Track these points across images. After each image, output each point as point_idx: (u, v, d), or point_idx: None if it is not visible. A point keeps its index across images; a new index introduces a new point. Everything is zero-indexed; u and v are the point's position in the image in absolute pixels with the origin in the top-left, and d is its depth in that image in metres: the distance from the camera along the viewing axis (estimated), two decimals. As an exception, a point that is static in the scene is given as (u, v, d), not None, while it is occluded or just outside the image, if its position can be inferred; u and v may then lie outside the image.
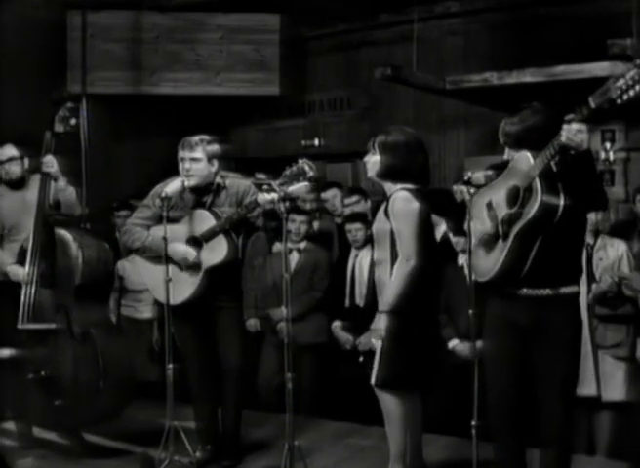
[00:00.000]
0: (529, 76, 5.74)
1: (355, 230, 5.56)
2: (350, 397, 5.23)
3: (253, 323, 5.80)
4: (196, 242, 4.32)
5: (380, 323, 3.70)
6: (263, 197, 4.06)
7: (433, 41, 7.40)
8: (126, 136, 7.69)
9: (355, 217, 5.66)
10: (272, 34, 7.66)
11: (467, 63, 7.24)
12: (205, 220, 4.32)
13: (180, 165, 4.36)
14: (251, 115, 8.44)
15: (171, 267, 4.20)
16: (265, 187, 4.00)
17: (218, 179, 4.42)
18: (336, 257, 5.89)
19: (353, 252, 5.65)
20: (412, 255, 3.70)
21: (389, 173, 3.82)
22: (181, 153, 4.35)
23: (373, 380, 3.79)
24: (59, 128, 4.68)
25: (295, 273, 5.43)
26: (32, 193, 4.69)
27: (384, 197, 3.91)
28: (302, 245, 5.70)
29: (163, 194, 4.15)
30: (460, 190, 3.17)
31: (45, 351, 4.42)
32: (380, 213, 3.84)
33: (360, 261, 5.56)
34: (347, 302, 5.57)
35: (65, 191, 4.70)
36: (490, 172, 3.27)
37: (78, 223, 5.02)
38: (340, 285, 5.58)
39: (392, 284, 3.70)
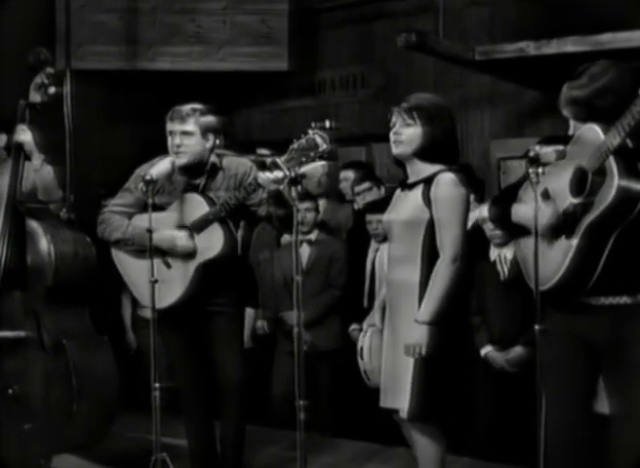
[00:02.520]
0: (571, 45, 5.23)
1: (377, 222, 4.96)
2: (370, 412, 4.67)
3: (260, 325, 5.36)
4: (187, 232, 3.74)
5: (417, 337, 3.07)
6: (266, 176, 3.46)
7: (456, 12, 6.85)
8: (119, 115, 7.24)
9: (376, 207, 5.01)
10: (280, 4, 7.20)
11: (493, 37, 6.66)
12: (197, 206, 3.72)
13: (169, 140, 3.78)
14: (256, 94, 7.98)
15: (157, 263, 3.61)
16: (269, 164, 3.38)
17: (213, 158, 3.83)
18: (344, 250, 5.35)
19: (373, 245, 5.10)
20: (459, 253, 3.10)
21: (435, 149, 3.18)
22: (170, 126, 3.77)
23: (404, 413, 3.14)
24: (34, 97, 4.04)
25: (307, 270, 4.93)
26: (4, 179, 4.06)
27: (405, 183, 3.31)
28: (313, 236, 5.17)
29: (147, 176, 3.50)
30: (531, 172, 2.51)
31: (13, 364, 3.82)
32: (410, 199, 3.22)
33: (381, 256, 4.93)
34: (366, 302, 5.00)
35: (41, 171, 4.07)
36: (561, 147, 2.62)
37: (58, 211, 4.38)
38: (357, 282, 5.05)
39: (434, 288, 3.08)
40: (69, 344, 3.76)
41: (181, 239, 3.70)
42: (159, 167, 3.62)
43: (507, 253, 4.33)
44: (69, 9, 6.43)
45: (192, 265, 3.71)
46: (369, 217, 5.06)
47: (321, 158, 3.30)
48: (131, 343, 5.67)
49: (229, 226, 3.71)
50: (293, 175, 3.11)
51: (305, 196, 5.03)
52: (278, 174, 3.35)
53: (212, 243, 3.67)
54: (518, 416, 4.06)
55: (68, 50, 6.32)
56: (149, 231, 3.47)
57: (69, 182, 4.98)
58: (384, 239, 4.89)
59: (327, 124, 3.36)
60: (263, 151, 3.70)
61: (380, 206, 5.03)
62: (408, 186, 3.25)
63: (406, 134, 3.19)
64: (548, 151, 2.57)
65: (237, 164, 3.84)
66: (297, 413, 3.06)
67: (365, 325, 3.47)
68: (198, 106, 3.78)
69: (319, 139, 3.27)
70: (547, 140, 5.26)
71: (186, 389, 3.93)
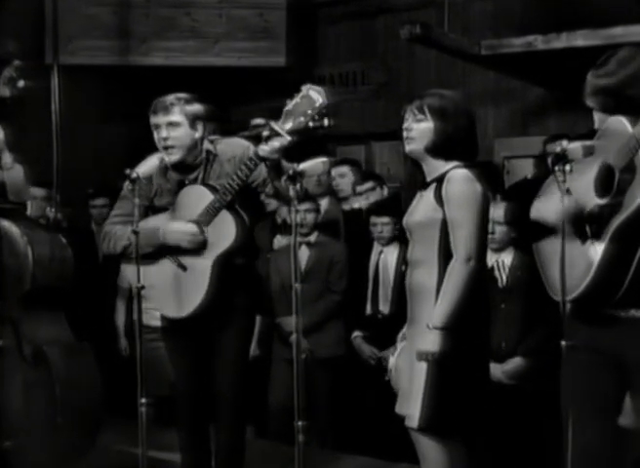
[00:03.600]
0: (581, 39, 5.10)
1: (382, 224, 4.82)
2: (373, 425, 4.55)
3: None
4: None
5: (429, 342, 2.89)
6: (266, 147, 3.23)
7: (459, 5, 6.72)
8: (110, 112, 7.15)
9: (382, 209, 4.91)
10: (279, -3, 7.13)
11: (497, 32, 6.48)
12: (199, 198, 3.46)
13: (155, 134, 3.53)
14: (253, 90, 7.76)
15: (171, 266, 3.44)
16: (266, 133, 3.14)
17: (206, 146, 3.58)
18: (345, 252, 5.15)
19: (377, 247, 4.92)
20: (473, 254, 2.91)
21: (448, 145, 3.00)
22: (154, 119, 3.52)
23: (415, 422, 2.95)
24: (3, 91, 3.84)
25: (306, 273, 4.72)
26: None
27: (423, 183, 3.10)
28: (313, 238, 4.96)
29: (133, 174, 3.25)
30: (557, 170, 2.30)
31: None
32: (424, 199, 3.04)
33: (385, 259, 4.85)
34: (369, 308, 4.85)
35: (11, 170, 3.86)
36: (589, 142, 2.41)
37: (42, 211, 4.18)
38: (360, 287, 4.88)
39: (447, 291, 2.90)
40: (51, 351, 3.57)
41: (190, 230, 3.44)
42: (146, 164, 3.37)
43: (506, 258, 4.17)
44: (57, 1, 6.35)
45: (208, 262, 3.44)
46: (373, 219, 4.89)
47: (321, 116, 3.08)
48: (124, 350, 5.51)
49: (239, 212, 3.44)
50: (291, 172, 2.89)
51: (305, 197, 4.81)
52: (277, 141, 3.15)
53: (224, 232, 3.41)
54: (518, 433, 3.93)
55: (56, 43, 6.22)
56: (135, 232, 3.23)
57: (56, 181, 4.82)
58: (389, 241, 4.85)
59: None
60: (258, 121, 3.45)
61: (386, 207, 4.98)
62: (424, 186, 3.07)
63: (417, 129, 3.02)
64: (575, 147, 2.35)
65: (233, 146, 3.58)
66: (295, 435, 2.90)
67: (398, 340, 3.24)
68: (182, 95, 3.54)
69: (314, 94, 3.08)
70: (554, 138, 4.98)
71: (185, 400, 3.69)
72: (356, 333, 4.81)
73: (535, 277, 3.92)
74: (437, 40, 5.47)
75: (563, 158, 2.37)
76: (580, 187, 2.53)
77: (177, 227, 3.48)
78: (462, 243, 2.90)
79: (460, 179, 2.94)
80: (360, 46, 7.48)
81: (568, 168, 2.34)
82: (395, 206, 5.02)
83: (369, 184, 5.44)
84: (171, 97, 3.53)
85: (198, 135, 3.54)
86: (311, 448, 3.56)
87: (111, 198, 5.44)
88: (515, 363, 4.09)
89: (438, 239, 2.95)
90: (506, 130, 6.76)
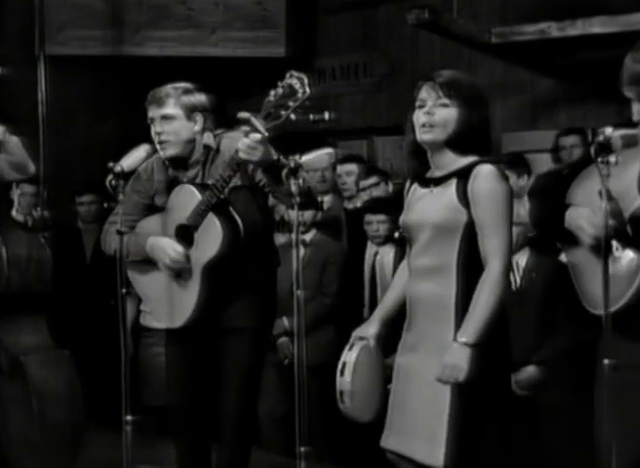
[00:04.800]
0: (598, 26, 4.97)
1: (377, 223, 4.60)
2: (367, 436, 4.27)
3: None
4: (187, 232, 3.26)
5: (457, 357, 2.58)
6: (244, 143, 2.98)
7: None
8: (103, 105, 7.08)
9: (378, 206, 4.68)
10: (278, -15, 7.13)
11: (506, 21, 6.35)
12: (189, 199, 3.23)
13: (152, 129, 3.31)
14: (251, 82, 7.47)
15: (162, 276, 3.25)
16: (245, 129, 2.90)
17: (206, 140, 3.33)
18: (346, 253, 4.98)
19: (371, 248, 4.72)
20: (507, 261, 2.63)
21: (470, 137, 2.68)
22: (150, 112, 3.31)
23: (438, 460, 2.59)
24: None
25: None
26: None
27: (422, 177, 2.81)
28: (309, 236, 4.75)
29: (117, 167, 3.03)
30: (600, 163, 2.03)
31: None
32: (438, 198, 2.73)
33: (382, 261, 4.64)
34: (366, 312, 4.59)
35: (8, 143, 3.63)
36: (633, 131, 2.14)
37: (30, 209, 3.96)
38: (355, 289, 4.67)
39: (481, 303, 2.59)
40: (27, 362, 3.37)
41: (173, 255, 3.23)
42: (132, 157, 3.17)
43: (520, 259, 3.95)
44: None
45: (197, 271, 3.22)
46: (368, 218, 4.67)
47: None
48: (128, 348, 5.30)
49: (232, 216, 3.19)
50: (292, 164, 2.66)
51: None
52: (256, 138, 2.92)
53: (210, 238, 3.18)
54: (531, 448, 3.68)
55: (42, 32, 6.17)
56: (119, 233, 3.00)
57: (42, 177, 4.63)
58: (385, 241, 4.63)
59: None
60: (242, 114, 3.20)
61: (383, 204, 4.73)
62: (434, 181, 2.75)
63: (441, 115, 2.67)
64: (614, 136, 2.07)
65: (233, 142, 3.27)
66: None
67: (353, 336, 2.95)
68: (180, 84, 3.32)
69: (296, 83, 2.84)
70: (568, 132, 4.68)
71: (178, 415, 3.45)
72: (352, 340, 4.60)
73: (551, 279, 3.68)
74: (446, 26, 5.35)
75: (606, 148, 2.08)
76: (621, 186, 2.27)
77: (163, 244, 3.27)
78: (499, 250, 2.61)
79: (490, 177, 2.63)
80: (362, 36, 7.37)
81: (613, 159, 2.06)
82: (394, 203, 4.79)
83: (373, 179, 5.23)
84: (167, 88, 3.32)
85: (197, 128, 3.31)
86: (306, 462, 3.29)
87: (99, 195, 5.29)
88: (529, 372, 3.85)
89: (459, 244, 2.65)
90: (515, 123, 6.61)
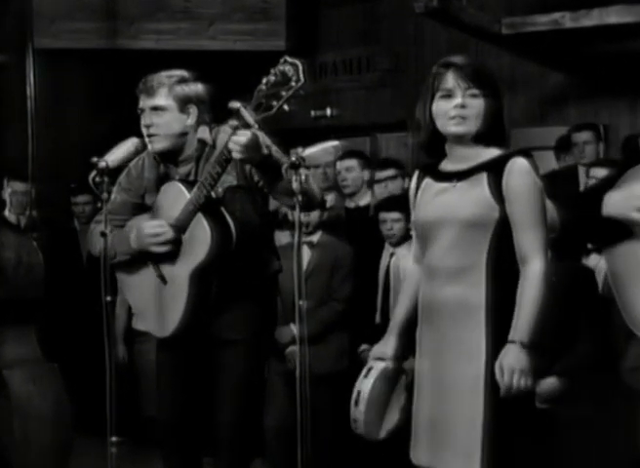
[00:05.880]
0: (615, 16, 4.79)
1: (392, 221, 4.40)
2: (378, 448, 4.12)
3: None
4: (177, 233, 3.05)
5: (515, 357, 2.44)
6: (237, 139, 2.78)
7: None
8: (97, 100, 6.99)
9: (392, 204, 4.49)
10: (278, -25, 7.08)
11: (516, 11, 6.26)
12: (177, 197, 3.03)
13: (141, 120, 3.11)
14: (250, 76, 7.53)
15: (152, 278, 3.05)
16: (234, 123, 2.71)
17: (201, 134, 3.12)
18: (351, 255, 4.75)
19: (388, 249, 4.52)
20: (547, 259, 2.49)
21: (495, 128, 2.56)
22: (140, 101, 3.10)
23: None
24: None
25: (306, 278, 4.24)
26: None
27: (435, 170, 2.66)
28: (316, 238, 4.55)
29: (101, 163, 2.83)
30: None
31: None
32: (463, 193, 2.57)
33: (397, 263, 4.44)
34: (378, 318, 4.45)
35: None
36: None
37: (22, 209, 3.79)
38: (368, 294, 4.48)
39: (530, 300, 2.45)
40: (11, 377, 3.17)
41: (154, 230, 3.03)
42: (118, 150, 2.97)
43: None
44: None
45: (185, 274, 3.02)
46: (382, 215, 4.48)
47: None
48: (121, 356, 5.27)
49: (223, 217, 2.99)
50: (293, 158, 2.49)
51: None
52: (244, 132, 2.74)
53: (198, 241, 2.98)
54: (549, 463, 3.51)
55: (31, 24, 6.15)
56: (103, 234, 2.81)
57: (31, 175, 4.47)
58: (400, 241, 4.45)
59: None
60: (234, 104, 3.00)
61: (396, 202, 4.52)
62: (456, 175, 2.57)
63: (473, 107, 2.52)
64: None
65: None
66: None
67: (370, 357, 2.78)
68: (175, 72, 3.11)
69: (290, 69, 2.65)
70: (580, 128, 4.50)
71: (166, 429, 3.25)
72: (364, 347, 4.37)
73: (573, 284, 3.49)
74: (455, 15, 5.17)
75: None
76: None
77: (142, 226, 3.06)
78: (540, 247, 2.48)
79: (526, 172, 2.49)
80: (365, 30, 7.30)
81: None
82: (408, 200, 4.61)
83: (389, 172, 4.97)
84: (160, 76, 3.11)
85: (190, 121, 3.09)
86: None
87: (95, 195, 5.15)
88: (550, 384, 3.68)
89: (489, 243, 2.49)
90: (523, 119, 6.53)
